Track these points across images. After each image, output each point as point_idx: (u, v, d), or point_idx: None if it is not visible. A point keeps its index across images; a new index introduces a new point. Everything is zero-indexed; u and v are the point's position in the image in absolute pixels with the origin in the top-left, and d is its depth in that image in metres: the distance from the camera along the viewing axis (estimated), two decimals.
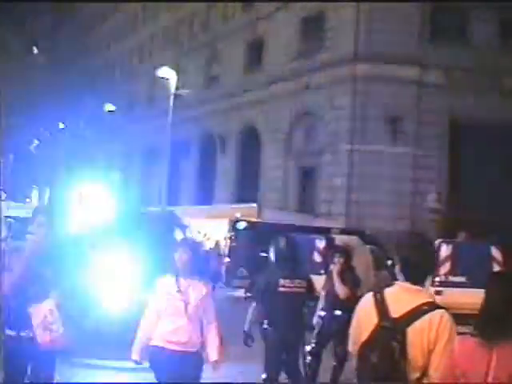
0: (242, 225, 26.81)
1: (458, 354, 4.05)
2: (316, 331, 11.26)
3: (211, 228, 31.71)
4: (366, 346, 4.25)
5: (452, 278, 15.89)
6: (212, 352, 7.08)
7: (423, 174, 33.11)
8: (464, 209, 33.81)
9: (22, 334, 5.96)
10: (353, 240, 19.70)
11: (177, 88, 41.18)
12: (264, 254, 12.47)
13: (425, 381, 4.09)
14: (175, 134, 42.11)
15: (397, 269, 4.47)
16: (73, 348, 6.54)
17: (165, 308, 6.99)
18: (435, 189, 32.59)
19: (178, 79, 41.83)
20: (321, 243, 19.75)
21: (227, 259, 25.35)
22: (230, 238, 26.33)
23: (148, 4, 58.33)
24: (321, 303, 11.64)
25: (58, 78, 41.88)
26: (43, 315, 5.99)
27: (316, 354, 10.91)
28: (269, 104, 40.30)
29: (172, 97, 40.05)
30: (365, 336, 4.32)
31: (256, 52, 43.39)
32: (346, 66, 34.53)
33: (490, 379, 3.92)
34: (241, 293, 24.24)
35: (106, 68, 64.40)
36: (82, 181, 22.30)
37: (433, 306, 4.23)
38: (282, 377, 8.84)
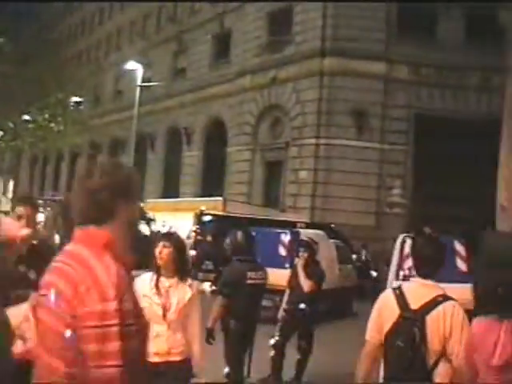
0: (207, 218, 26.79)
1: (471, 333, 4.74)
2: (280, 324, 11.30)
3: (176, 221, 31.64)
4: (392, 334, 4.98)
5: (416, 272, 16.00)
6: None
7: (389, 168, 33.31)
8: (429, 203, 34.08)
9: None
10: (318, 234, 19.73)
11: (143, 81, 41.08)
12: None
13: (441, 366, 4.85)
14: (141, 127, 42.03)
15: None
16: None
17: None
18: (400, 183, 32.79)
19: (145, 72, 41.75)
20: (286, 237, 19.73)
21: (193, 253, 25.30)
22: (196, 231, 26.29)
23: None
24: (285, 297, 11.69)
25: (22, 69, 41.43)
26: (19, 322, 4.71)
27: (279, 347, 10.94)
28: (235, 97, 40.27)
29: (138, 89, 39.93)
30: (387, 326, 5.02)
31: (223, 45, 43.34)
32: (313, 61, 34.57)
33: (497, 354, 4.53)
34: (207, 286, 24.20)
35: (73, 60, 63.95)
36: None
37: (446, 298, 4.98)
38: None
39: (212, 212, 27.69)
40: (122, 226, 2.98)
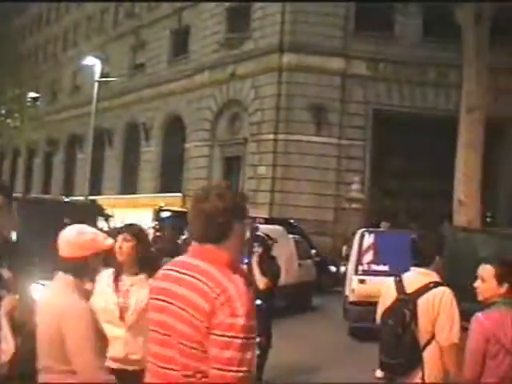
0: (166, 214, 26.70)
1: (488, 324, 5.18)
2: None
3: (135, 218, 31.44)
4: (386, 313, 5.69)
5: (375, 267, 16.11)
6: None
7: (347, 163, 33.43)
8: (387, 198, 34.36)
9: None
10: (277, 230, 19.76)
11: (101, 76, 40.79)
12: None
13: (432, 345, 5.47)
14: (99, 123, 41.72)
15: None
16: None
17: (100, 312, 4.97)
18: (359, 179, 32.93)
19: (103, 67, 41.44)
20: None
21: (152, 249, 25.17)
22: (155, 227, 26.18)
23: None
24: None
25: None
26: None
27: None
28: (194, 93, 40.15)
29: (96, 85, 39.63)
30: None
31: (182, 41, 43.14)
32: (272, 56, 34.57)
33: None
34: None
35: (30, 56, 63.26)
36: None
37: (437, 284, 5.58)
38: None
39: (171, 208, 27.61)
40: (237, 244, 3.39)
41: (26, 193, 46.24)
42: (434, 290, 5.50)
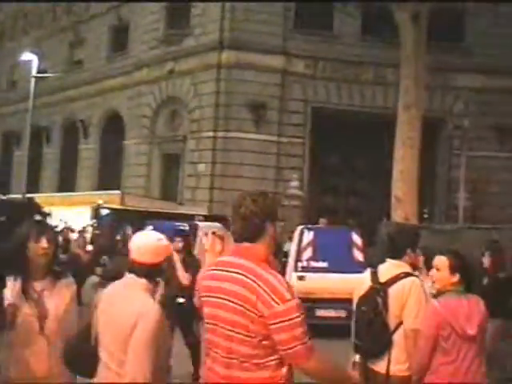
0: (104, 212, 26.52)
1: (443, 310, 5.61)
2: None
3: (73, 216, 31.17)
4: (360, 301, 6.31)
5: (314, 264, 16.19)
6: None
7: (286, 161, 33.56)
8: (325, 195, 34.63)
9: None
10: (216, 227, 19.76)
11: (39, 72, 40.27)
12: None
13: (401, 329, 6.01)
14: (37, 119, 41.20)
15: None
16: None
17: (14, 326, 4.75)
18: (298, 176, 33.10)
19: (41, 63, 40.91)
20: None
21: (90, 247, 24.98)
22: (93, 225, 25.99)
23: None
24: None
25: None
26: None
27: None
28: (133, 90, 39.88)
29: (33, 80, 39.12)
30: None
31: (121, 37, 42.78)
32: (211, 54, 34.53)
33: (468, 327, 5.51)
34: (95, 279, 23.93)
35: None
36: None
37: (407, 274, 6.18)
38: None
39: (109, 206, 27.43)
40: (270, 241, 4.04)
41: None
42: (404, 280, 6.10)
